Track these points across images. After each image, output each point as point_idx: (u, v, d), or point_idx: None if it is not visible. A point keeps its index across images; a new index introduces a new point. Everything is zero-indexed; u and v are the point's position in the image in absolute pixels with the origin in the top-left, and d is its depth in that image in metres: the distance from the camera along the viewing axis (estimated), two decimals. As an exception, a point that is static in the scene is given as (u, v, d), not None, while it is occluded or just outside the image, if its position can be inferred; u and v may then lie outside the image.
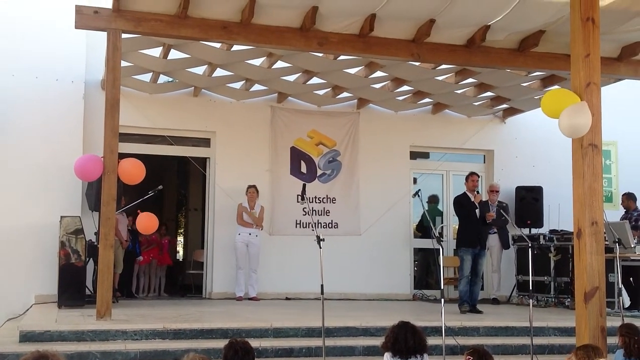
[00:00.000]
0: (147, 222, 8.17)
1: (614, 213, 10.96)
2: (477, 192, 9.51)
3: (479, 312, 8.97)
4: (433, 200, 12.30)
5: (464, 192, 9.56)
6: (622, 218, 10.55)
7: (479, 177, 9.90)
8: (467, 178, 9.62)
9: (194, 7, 7.53)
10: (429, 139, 12.18)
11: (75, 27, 7.66)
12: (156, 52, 9.24)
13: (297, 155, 11.50)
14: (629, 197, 10.87)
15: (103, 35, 7.74)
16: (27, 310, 9.04)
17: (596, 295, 5.91)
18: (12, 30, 9.81)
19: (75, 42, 9.80)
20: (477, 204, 9.34)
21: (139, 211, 9.12)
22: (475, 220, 9.33)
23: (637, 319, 7.43)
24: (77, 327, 6.78)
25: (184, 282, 13.48)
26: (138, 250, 11.30)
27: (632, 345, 5.31)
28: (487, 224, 9.56)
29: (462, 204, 9.48)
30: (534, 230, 11.58)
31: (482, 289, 10.63)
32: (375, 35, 8.18)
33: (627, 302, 10.21)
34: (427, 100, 11.58)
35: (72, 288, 8.63)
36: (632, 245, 9.30)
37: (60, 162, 9.80)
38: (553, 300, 10.46)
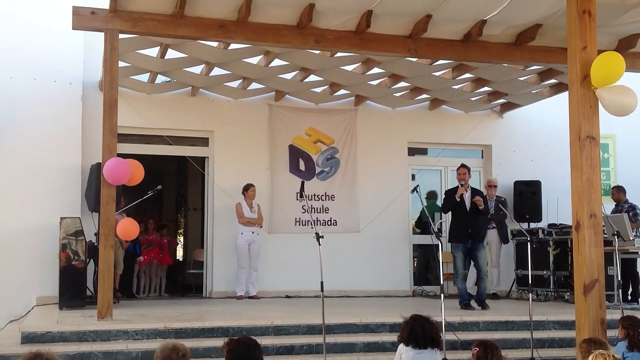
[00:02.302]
0: (127, 228, 7.92)
1: (612, 206, 10.96)
2: (461, 185, 9.10)
3: (486, 307, 8.86)
4: (431, 196, 12.28)
5: (457, 186, 9.30)
6: (613, 211, 10.54)
7: (468, 169, 9.36)
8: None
9: (190, 6, 7.53)
10: (427, 135, 12.17)
11: (73, 28, 7.68)
12: (153, 52, 9.25)
13: (295, 153, 11.50)
14: (619, 190, 10.91)
15: (100, 36, 7.75)
16: (29, 311, 9.06)
17: (595, 287, 5.91)
18: (9, 32, 9.79)
19: (73, 43, 9.81)
20: (459, 198, 9.01)
21: (124, 214, 9.11)
22: (464, 213, 9.07)
23: (637, 312, 7.45)
24: (79, 327, 6.80)
25: (185, 282, 13.48)
26: (138, 251, 11.30)
27: (635, 337, 5.33)
28: (479, 214, 9.11)
29: (447, 195, 9.33)
30: (532, 225, 11.57)
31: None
32: (372, 32, 8.18)
33: None
34: (424, 96, 11.58)
35: (73, 289, 8.64)
36: (631, 238, 9.32)
37: (59, 164, 9.83)
38: (552, 294, 10.47)
